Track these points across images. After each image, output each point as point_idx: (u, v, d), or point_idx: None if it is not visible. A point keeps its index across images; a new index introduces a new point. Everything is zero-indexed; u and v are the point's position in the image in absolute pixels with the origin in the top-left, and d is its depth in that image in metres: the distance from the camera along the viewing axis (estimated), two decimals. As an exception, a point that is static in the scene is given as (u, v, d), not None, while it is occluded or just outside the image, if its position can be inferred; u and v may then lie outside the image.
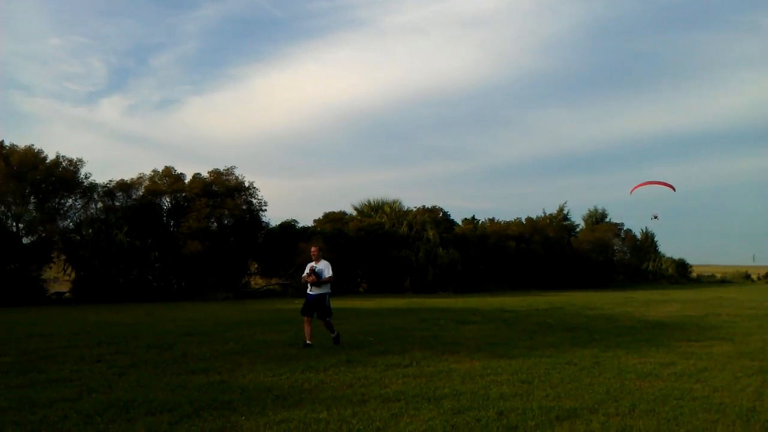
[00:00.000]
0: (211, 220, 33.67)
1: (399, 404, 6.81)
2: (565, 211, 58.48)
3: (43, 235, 29.88)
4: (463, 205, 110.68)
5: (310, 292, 11.65)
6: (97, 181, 32.72)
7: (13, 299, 26.28)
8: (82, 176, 31.91)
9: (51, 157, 31.04)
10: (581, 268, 50.34)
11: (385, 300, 29.86)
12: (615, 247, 60.14)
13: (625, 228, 62.15)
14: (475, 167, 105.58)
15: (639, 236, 64.59)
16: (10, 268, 28.84)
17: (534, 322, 16.96)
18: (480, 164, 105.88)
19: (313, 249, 12.22)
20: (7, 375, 8.29)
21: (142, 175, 34.68)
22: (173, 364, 9.36)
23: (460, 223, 49.18)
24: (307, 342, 11.23)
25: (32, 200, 30.57)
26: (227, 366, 9.17)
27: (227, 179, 35.69)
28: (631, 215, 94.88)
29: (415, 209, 45.95)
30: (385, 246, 39.93)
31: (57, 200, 31.48)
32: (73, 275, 31.48)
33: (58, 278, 31.86)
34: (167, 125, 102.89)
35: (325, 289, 11.66)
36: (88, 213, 32.36)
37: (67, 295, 30.80)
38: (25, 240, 29.85)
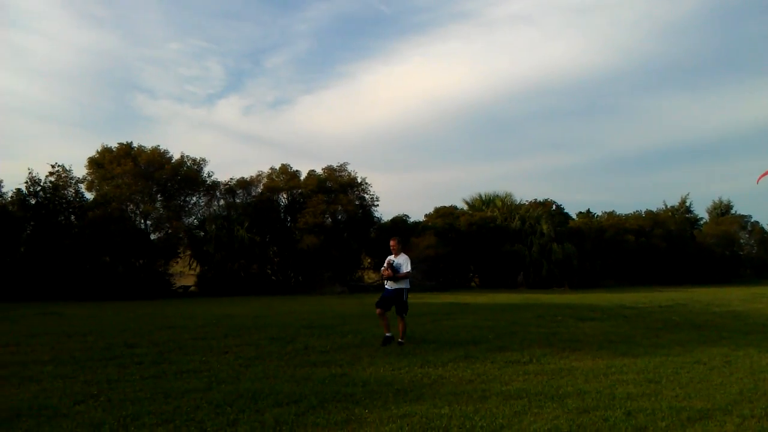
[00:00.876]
0: (326, 215, 34.39)
1: (521, 402, 6.67)
2: (687, 203, 55.90)
3: (170, 231, 31.47)
4: (576, 198, 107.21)
5: (388, 287, 11.24)
6: (219, 180, 34.19)
7: (142, 293, 27.89)
8: (205, 175, 33.45)
9: (176, 157, 32.68)
10: (705, 263, 47.90)
11: (498, 295, 29.50)
12: (741, 241, 56.84)
13: (752, 220, 58.54)
14: (588, 159, 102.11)
15: (767, 229, 60.71)
16: (139, 263, 30.57)
17: (657, 319, 16.25)
18: (593, 155, 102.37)
19: (392, 242, 11.68)
20: (140, 366, 8.70)
21: (260, 172, 36.10)
22: (296, 356, 9.59)
23: (575, 217, 47.93)
24: (387, 334, 10.91)
25: (159, 198, 32.33)
26: (347, 359, 9.30)
27: (340, 175, 36.39)
28: (758, 207, 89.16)
29: (527, 203, 45.26)
30: (497, 240, 39.45)
31: (182, 198, 33.18)
32: (197, 269, 33.06)
33: (184, 272, 33.54)
34: (281, 124, 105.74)
35: (403, 284, 11.16)
36: (211, 210, 33.90)
37: (193, 288, 32.37)
38: (152, 236, 31.53)
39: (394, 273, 11.06)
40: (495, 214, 42.67)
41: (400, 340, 10.86)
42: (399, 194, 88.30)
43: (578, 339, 11.98)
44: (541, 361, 9.36)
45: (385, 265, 11.29)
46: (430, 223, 39.79)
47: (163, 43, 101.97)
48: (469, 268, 41.58)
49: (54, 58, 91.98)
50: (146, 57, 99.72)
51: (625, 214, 49.64)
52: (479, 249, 38.97)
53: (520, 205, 44.15)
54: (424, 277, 34.50)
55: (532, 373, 8.33)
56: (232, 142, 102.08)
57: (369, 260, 39.58)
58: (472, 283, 41.55)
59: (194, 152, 44.31)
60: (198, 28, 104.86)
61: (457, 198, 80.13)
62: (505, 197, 44.96)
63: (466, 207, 45.49)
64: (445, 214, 41.92)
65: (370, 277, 39.11)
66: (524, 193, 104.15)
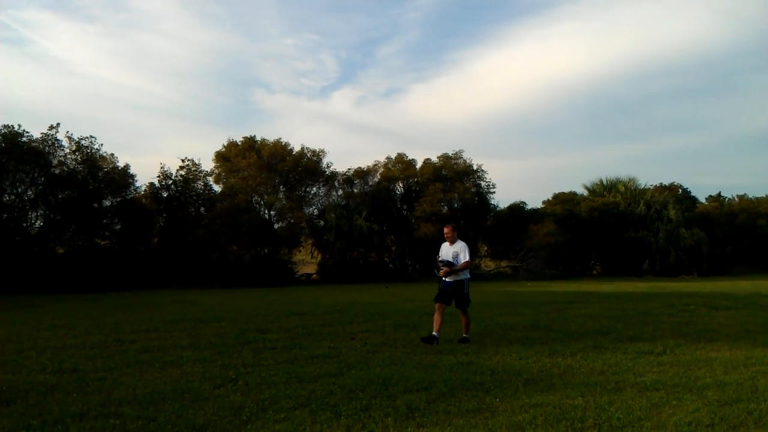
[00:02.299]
0: (442, 203, 34.38)
1: (658, 393, 6.42)
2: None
3: (292, 221, 32.43)
4: (704, 181, 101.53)
5: (446, 279, 10.17)
6: (337, 170, 34.94)
7: (268, 280, 28.99)
8: (324, 165, 34.27)
9: (296, 149, 33.63)
10: None
11: (623, 283, 28.54)
12: None
13: None
14: (716, 140, 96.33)
15: None
16: (264, 252, 31.77)
17: (800, 309, 15.23)
18: (722, 136, 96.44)
19: (446, 229, 10.48)
20: (273, 351, 9.02)
21: (377, 162, 36.54)
22: (421, 343, 9.67)
23: (704, 201, 45.56)
24: (434, 333, 9.78)
25: (281, 189, 33.42)
26: (472, 347, 9.28)
27: (456, 163, 36.24)
28: None
29: (651, 187, 43.41)
30: (620, 227, 38.09)
31: (303, 189, 34.20)
32: (318, 258, 33.98)
33: (306, 261, 34.54)
34: (394, 113, 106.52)
35: (462, 275, 10.14)
36: (330, 200, 34.68)
37: (315, 276, 33.32)
38: (276, 226, 32.63)
39: (451, 267, 10.05)
40: (617, 199, 41.18)
41: (465, 335, 10.05)
42: (515, 181, 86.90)
43: (713, 329, 11.40)
44: (675, 351, 8.98)
45: (440, 256, 10.33)
46: (548, 210, 38.91)
47: (279, 38, 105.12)
48: (591, 255, 40.39)
49: (177, 58, 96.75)
50: (263, 53, 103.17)
51: (757, 197, 46.63)
52: (601, 236, 37.75)
53: (645, 190, 42.38)
54: (544, 265, 33.89)
55: (667, 364, 8.01)
56: (346, 132, 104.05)
57: (486, 248, 39.30)
58: (594, 271, 40.36)
59: (311, 143, 45.38)
60: (311, 23, 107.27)
61: (576, 184, 78.16)
62: (628, 182, 43.25)
63: (586, 193, 44.17)
64: (564, 200, 40.85)
65: (487, 264, 38.81)
66: (648, 177, 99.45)
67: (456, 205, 35.73)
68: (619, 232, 37.89)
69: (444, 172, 35.78)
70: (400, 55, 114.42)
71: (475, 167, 36.57)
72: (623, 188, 42.63)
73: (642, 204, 39.75)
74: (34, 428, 5.22)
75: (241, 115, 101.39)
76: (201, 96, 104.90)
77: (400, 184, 36.71)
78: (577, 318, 13.12)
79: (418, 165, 36.60)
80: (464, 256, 10.09)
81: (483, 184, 37.11)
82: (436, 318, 9.94)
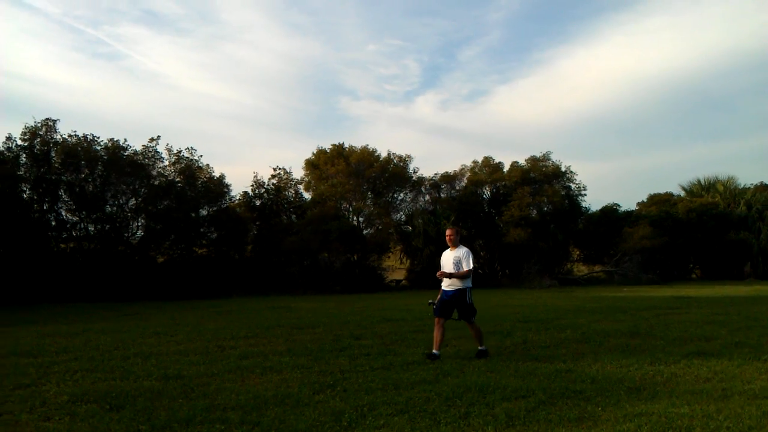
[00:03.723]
0: (531, 207, 33.88)
1: (768, 402, 6.14)
2: None
3: (380, 227, 32.67)
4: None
5: (446, 288, 9.27)
6: (423, 175, 35.01)
7: (358, 286, 29.28)
8: (410, 171, 34.38)
9: (383, 155, 33.91)
10: None
11: (724, 287, 27.32)
12: None
13: None
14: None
15: None
16: (354, 258, 32.12)
17: None
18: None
19: (448, 232, 9.60)
20: (368, 357, 9.09)
21: (463, 166, 36.44)
22: (516, 350, 9.57)
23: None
24: (434, 351, 8.96)
25: (369, 195, 33.70)
26: (570, 354, 9.09)
27: (544, 165, 35.70)
28: None
29: (752, 186, 41.42)
30: (720, 228, 36.48)
31: (390, 194, 34.37)
32: (407, 264, 34.04)
33: (395, 267, 34.69)
34: (478, 116, 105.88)
35: (464, 283, 9.19)
36: (417, 205, 34.73)
37: (404, 282, 33.40)
38: (365, 232, 32.95)
39: (449, 273, 9.18)
40: (716, 199, 39.53)
41: (480, 348, 9.23)
42: (606, 182, 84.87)
43: (829, 336, 10.77)
44: (787, 359, 8.55)
45: (442, 264, 9.46)
46: (643, 212, 37.75)
47: (362, 45, 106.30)
48: (689, 258, 38.85)
49: (265, 68, 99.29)
50: (347, 60, 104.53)
51: None
52: (700, 238, 36.26)
53: (745, 189, 40.53)
54: (639, 269, 32.83)
55: (778, 372, 7.64)
56: (430, 136, 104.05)
57: (578, 252, 38.46)
58: (693, 275, 38.84)
59: (395, 149, 45.66)
60: (393, 28, 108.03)
61: (672, 184, 75.43)
62: (727, 181, 41.47)
63: (683, 193, 42.62)
64: (659, 201, 39.56)
65: (579, 269, 37.95)
66: (748, 176, 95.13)
67: (545, 208, 35.15)
68: (719, 233, 36.30)
69: (532, 175, 35.27)
70: (483, 56, 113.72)
71: (563, 169, 35.92)
72: (722, 188, 40.91)
73: (742, 204, 38.03)
74: (143, 433, 5.44)
75: (328, 122, 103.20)
76: (288, 105, 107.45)
77: (487, 188, 36.41)
78: (678, 324, 12.64)
79: (505, 168, 36.29)
80: (467, 264, 9.18)
81: (573, 186, 36.40)
82: (436, 334, 9.12)
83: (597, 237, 35.96)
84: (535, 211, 34.52)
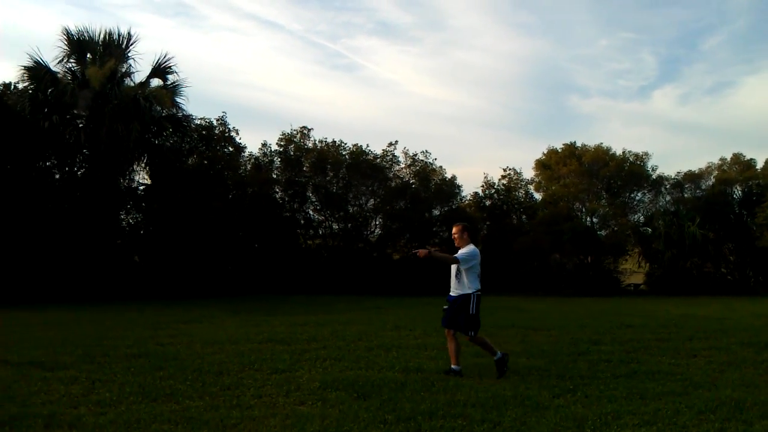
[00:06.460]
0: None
1: None
2: None
3: (616, 228, 31.41)
4: None
5: (451, 293, 8.24)
6: (663, 174, 33.01)
7: (591, 289, 28.39)
8: (648, 169, 32.60)
9: (618, 153, 32.51)
10: None
11: None
12: None
13: None
14: None
15: None
16: (587, 260, 31.15)
17: None
18: None
19: (454, 229, 8.39)
20: (609, 363, 8.72)
21: (709, 164, 33.71)
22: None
23: None
24: (453, 367, 7.88)
25: (604, 195, 32.53)
26: None
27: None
28: None
29: None
30: None
31: (627, 194, 32.90)
32: (646, 267, 32.30)
33: (632, 270, 33.08)
34: (723, 109, 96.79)
35: (469, 288, 7.99)
36: (657, 206, 32.83)
37: (642, 287, 31.81)
38: (599, 234, 31.79)
39: (427, 251, 7.91)
40: None
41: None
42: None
43: None
44: None
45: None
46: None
47: (593, 40, 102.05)
48: None
49: (492, 70, 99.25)
50: (576, 57, 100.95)
51: None
52: None
53: None
54: None
55: None
56: (669, 133, 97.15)
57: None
58: None
59: (629, 146, 43.16)
60: (626, 21, 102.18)
61: None
62: None
63: None
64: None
65: None
66: None
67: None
68: None
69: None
70: (728, 45, 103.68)
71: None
72: None
73: None
74: (389, 423, 5.65)
75: (556, 121, 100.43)
76: (516, 106, 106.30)
77: (738, 187, 33.29)
78: None
79: (758, 165, 32.94)
80: (465, 263, 7.97)
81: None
82: (450, 348, 8.06)
83: None
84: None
